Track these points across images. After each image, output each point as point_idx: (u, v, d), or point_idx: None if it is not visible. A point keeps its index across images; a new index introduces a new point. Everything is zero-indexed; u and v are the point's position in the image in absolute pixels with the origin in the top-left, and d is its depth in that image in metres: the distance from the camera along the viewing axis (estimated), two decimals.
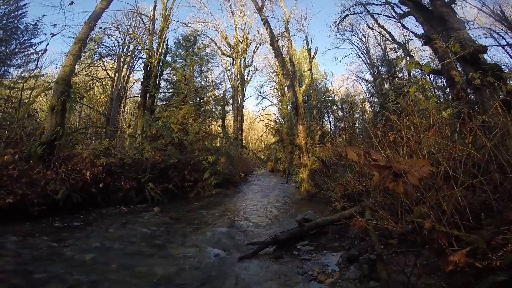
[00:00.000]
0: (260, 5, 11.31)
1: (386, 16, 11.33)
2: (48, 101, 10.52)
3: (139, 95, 15.08)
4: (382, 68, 20.60)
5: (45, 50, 8.95)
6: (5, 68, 14.23)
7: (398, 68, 17.86)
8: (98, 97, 20.89)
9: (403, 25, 10.67)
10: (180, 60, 14.33)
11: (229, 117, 25.25)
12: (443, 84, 13.13)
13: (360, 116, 23.04)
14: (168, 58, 14.71)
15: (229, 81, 25.10)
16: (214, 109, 14.37)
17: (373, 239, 2.90)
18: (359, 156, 1.75)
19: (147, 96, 13.73)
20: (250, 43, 26.43)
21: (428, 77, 13.80)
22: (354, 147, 1.91)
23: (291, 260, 3.42)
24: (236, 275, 3.04)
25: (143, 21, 16.34)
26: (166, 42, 14.65)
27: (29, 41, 14.80)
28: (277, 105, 28.40)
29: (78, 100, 8.61)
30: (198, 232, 4.82)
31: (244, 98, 25.09)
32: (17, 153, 5.53)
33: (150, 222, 5.50)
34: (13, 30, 14.23)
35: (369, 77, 23.07)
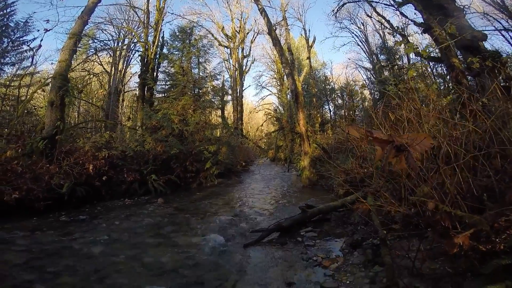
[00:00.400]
0: None
1: (384, 4, 11.09)
2: (46, 97, 10.46)
3: (138, 88, 14.99)
4: (382, 56, 20.37)
5: (40, 46, 8.82)
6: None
7: (398, 56, 17.66)
8: (95, 91, 20.74)
9: (401, 13, 10.45)
10: (177, 52, 14.17)
11: (229, 108, 25.15)
12: (443, 72, 13.02)
13: (360, 103, 22.96)
14: (165, 51, 14.57)
15: (228, 72, 24.90)
16: (213, 100, 14.32)
17: (376, 224, 2.93)
18: (361, 135, 1.76)
19: (146, 89, 13.66)
20: (248, 33, 26.03)
21: (428, 64, 13.67)
22: (356, 126, 1.92)
23: (295, 247, 3.48)
24: (241, 262, 3.11)
25: (137, 14, 16.05)
26: (162, 35, 14.51)
27: (21, 39, 14.59)
28: (277, 94, 28.22)
29: (76, 94, 8.55)
30: (202, 221, 4.90)
31: (243, 88, 24.97)
32: (20, 147, 5.53)
33: (155, 213, 5.56)
34: (3, 28, 13.98)
35: (368, 65, 22.82)
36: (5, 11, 13.93)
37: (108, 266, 3.00)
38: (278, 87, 27.14)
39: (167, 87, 15.24)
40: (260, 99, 29.20)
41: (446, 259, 2.19)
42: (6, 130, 7.92)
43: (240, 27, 25.17)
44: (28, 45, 14.31)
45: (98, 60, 18.19)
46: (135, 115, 14.14)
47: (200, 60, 14.82)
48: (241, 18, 25.40)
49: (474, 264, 1.92)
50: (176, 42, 14.38)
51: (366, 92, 23.27)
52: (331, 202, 4.65)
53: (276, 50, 11.47)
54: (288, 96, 21.05)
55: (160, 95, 14.77)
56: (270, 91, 29.21)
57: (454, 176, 2.28)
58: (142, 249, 3.53)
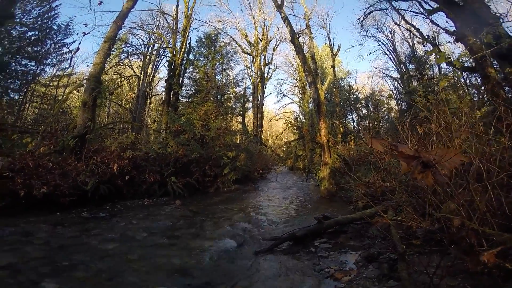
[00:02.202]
0: (279, 3, 11.17)
1: (413, 12, 10.72)
2: (80, 97, 11.19)
3: (164, 93, 15.60)
4: (410, 65, 19.59)
5: (78, 49, 9.61)
6: (41, 67, 15.22)
7: (428, 65, 16.88)
8: (125, 94, 21.86)
9: (432, 21, 10.02)
10: (202, 58, 14.63)
11: (249, 115, 25.36)
12: (478, 83, 12.24)
13: (385, 114, 22.15)
14: (191, 57, 15.06)
15: (249, 79, 25.22)
16: (234, 106, 14.53)
17: (395, 238, 2.79)
18: (385, 148, 1.68)
19: (171, 93, 14.18)
20: (270, 41, 26.31)
21: (461, 75, 12.92)
22: (380, 139, 1.85)
23: (307, 257, 3.38)
24: (251, 268, 3.07)
25: (166, 20, 16.74)
26: (189, 41, 15.02)
27: (62, 41, 15.68)
28: (298, 103, 28.05)
29: (108, 96, 9.07)
30: (216, 226, 4.91)
31: (264, 96, 25.09)
32: (52, 144, 5.93)
33: (171, 214, 5.66)
34: (48, 30, 15.13)
35: (396, 75, 22.05)
36: (49, 14, 15.14)
37: (120, 264, 3.07)
38: (300, 96, 26.99)
39: (191, 92, 15.75)
40: (280, 107, 29.25)
41: (467, 277, 2.09)
42: (41, 127, 8.55)
43: (263, 34, 25.52)
44: (68, 48, 15.43)
45: (130, 64, 19.22)
46: (160, 118, 14.71)
47: (224, 67, 15.22)
48: (264, 25, 25.81)
49: (497, 282, 1.83)
50: (202, 49, 14.88)
51: (393, 103, 22.46)
52: (349, 215, 4.49)
53: (299, 58, 11.43)
54: (310, 105, 20.84)
55: (185, 100, 15.28)
56: (292, 99, 29.14)
57: (484, 194, 2.12)
58: (155, 249, 3.59)
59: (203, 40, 15.10)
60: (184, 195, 7.79)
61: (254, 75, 24.82)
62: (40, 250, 3.37)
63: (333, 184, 8.21)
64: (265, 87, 25.36)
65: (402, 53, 20.91)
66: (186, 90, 15.85)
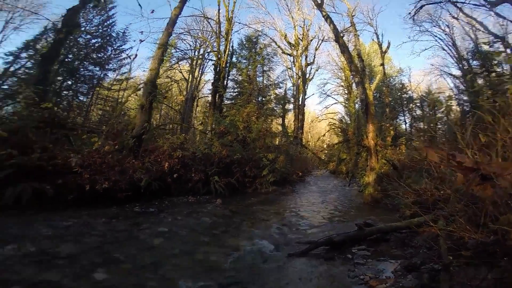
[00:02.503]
0: (319, 1, 10.86)
1: (473, 5, 9.45)
2: (136, 100, 12.44)
3: (210, 95, 16.45)
4: (474, 62, 17.24)
5: (136, 55, 10.91)
6: (104, 72, 17.21)
7: (496, 62, 14.68)
8: (175, 97, 23.57)
9: (497, 14, 8.71)
10: (244, 61, 15.01)
11: (290, 116, 25.14)
12: None
13: (444, 115, 19.90)
14: (234, 59, 15.55)
15: (290, 80, 24.98)
16: (275, 108, 14.60)
17: (443, 249, 2.59)
18: (441, 158, 1.61)
19: (217, 96, 14.88)
20: (311, 40, 25.59)
21: None
22: (436, 148, 1.76)
23: (343, 263, 3.30)
24: (282, 270, 3.13)
25: (210, 24, 17.41)
26: (232, 44, 15.46)
27: (120, 47, 17.43)
28: (343, 103, 26.83)
29: (161, 99, 9.95)
30: (253, 226, 5.05)
31: (306, 97, 24.56)
32: (116, 144, 6.75)
33: (212, 213, 5.94)
34: (108, 37, 16.96)
35: (456, 72, 19.65)
36: (108, 22, 16.78)
37: (163, 258, 3.33)
38: (345, 96, 25.83)
39: (234, 94, 16.30)
40: (323, 108, 28.25)
41: None
42: (104, 127, 9.74)
43: (303, 34, 24.97)
44: (127, 54, 17.20)
45: (179, 68, 20.63)
46: (206, 120, 15.53)
47: (265, 69, 15.43)
48: (304, 25, 25.20)
49: None
50: (244, 51, 15.29)
51: (454, 102, 20.06)
52: (394, 223, 4.23)
53: (344, 57, 11.00)
54: (357, 105, 19.82)
55: (229, 102, 15.87)
56: (336, 100, 27.96)
57: None
58: (195, 246, 3.85)
59: (244, 42, 15.52)
60: (224, 194, 8.11)
61: (295, 76, 24.53)
62: (97, 241, 3.74)
63: (378, 191, 7.76)
64: (307, 88, 24.84)
65: (463, 48, 18.54)
66: (230, 92, 16.44)
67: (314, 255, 3.55)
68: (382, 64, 20.77)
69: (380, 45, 21.17)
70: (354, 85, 16.86)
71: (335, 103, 28.15)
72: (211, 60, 18.36)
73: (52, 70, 11.75)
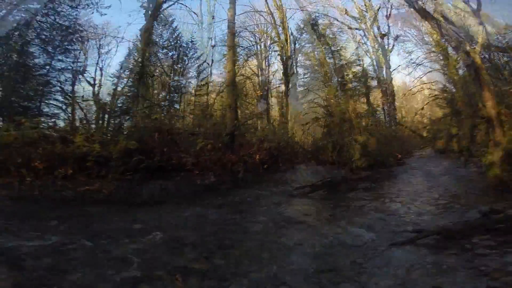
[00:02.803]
0: None
1: None
2: (218, 101, 13.49)
3: (283, 85, 16.50)
4: None
5: (212, 61, 11.87)
6: (187, 80, 19.28)
7: None
8: (250, 93, 24.60)
9: None
10: (308, 45, 14.41)
11: (375, 93, 22.69)
12: None
13: None
14: (297, 46, 15.18)
15: (367, 55, 22.49)
16: (357, 87, 13.53)
17: None
18: None
19: (289, 85, 14.81)
20: (378, 9, 22.20)
21: None
22: None
23: (458, 253, 2.88)
24: (382, 259, 2.95)
25: (263, 16, 17.32)
26: (290, 31, 15.04)
27: (194, 55, 19.18)
28: (441, 71, 22.48)
29: (243, 97, 10.60)
30: (347, 213, 4.94)
31: (391, 70, 21.67)
32: (219, 142, 7.60)
33: (304, 202, 6.02)
34: (180, 48, 18.84)
35: None
36: (175, 35, 18.38)
37: (260, 244, 3.53)
38: (441, 62, 21.58)
39: (306, 79, 15.87)
40: (415, 79, 24.21)
41: None
42: (197, 129, 10.92)
43: (365, 5, 21.95)
44: (204, 60, 18.80)
45: (248, 65, 21.42)
46: (281, 110, 15.62)
47: (333, 49, 14.38)
48: None
49: None
50: (304, 35, 14.69)
51: None
52: None
53: (428, 22, 9.20)
54: (460, 71, 16.30)
55: (301, 89, 15.57)
56: (430, 68, 23.60)
57: None
58: (292, 232, 3.98)
59: (303, 26, 14.87)
60: None
61: (371, 50, 21.94)
62: (211, 229, 4.14)
63: (508, 171, 6.30)
64: (389, 60, 21.93)
65: None
66: (301, 78, 16.07)
67: (421, 244, 3.20)
68: (482, 23, 16.27)
69: (466, 2, 16.59)
70: (450, 49, 13.86)
71: (430, 71, 23.76)
72: (275, 51, 18.31)
73: (147, 84, 13.81)
